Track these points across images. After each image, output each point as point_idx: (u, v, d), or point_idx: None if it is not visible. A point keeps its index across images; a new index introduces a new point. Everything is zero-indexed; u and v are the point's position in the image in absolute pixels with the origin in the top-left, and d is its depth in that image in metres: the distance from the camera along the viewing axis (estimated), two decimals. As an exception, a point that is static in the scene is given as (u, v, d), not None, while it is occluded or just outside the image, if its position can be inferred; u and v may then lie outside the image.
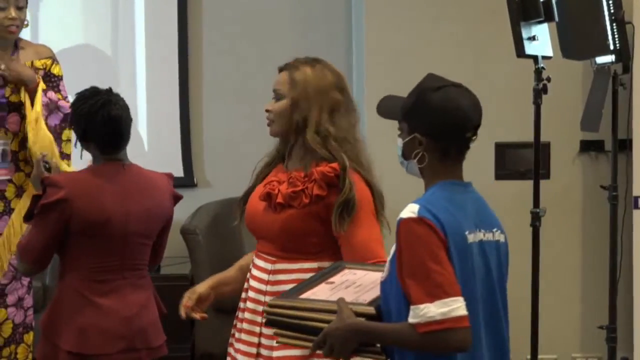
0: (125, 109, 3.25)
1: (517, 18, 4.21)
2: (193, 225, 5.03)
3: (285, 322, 2.41)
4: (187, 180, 5.48)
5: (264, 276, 2.82)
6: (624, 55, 4.49)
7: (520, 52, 4.22)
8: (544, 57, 4.29)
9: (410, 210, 2.34)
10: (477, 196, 2.50)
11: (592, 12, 4.42)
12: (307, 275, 2.68)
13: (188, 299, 2.91)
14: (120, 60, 5.81)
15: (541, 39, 4.28)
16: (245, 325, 2.81)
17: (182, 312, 2.91)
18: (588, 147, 5.15)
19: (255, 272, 2.85)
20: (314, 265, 2.78)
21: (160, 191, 3.32)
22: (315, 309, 2.39)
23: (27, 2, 4.18)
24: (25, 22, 4.20)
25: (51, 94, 4.24)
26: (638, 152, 4.77)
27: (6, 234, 4.21)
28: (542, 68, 4.24)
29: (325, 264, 2.74)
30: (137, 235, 3.26)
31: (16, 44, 4.24)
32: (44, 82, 4.23)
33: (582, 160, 5.17)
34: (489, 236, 2.45)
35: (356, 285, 2.54)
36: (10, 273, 4.25)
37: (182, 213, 4.67)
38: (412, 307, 2.26)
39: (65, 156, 4.23)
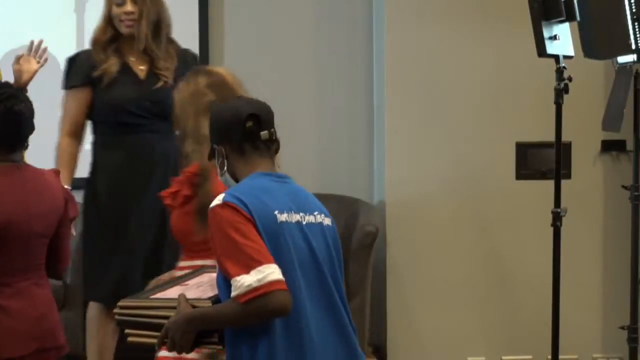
0: (30, 110, 3.17)
1: (539, 17, 4.19)
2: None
3: (132, 321, 2.56)
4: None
5: (180, 273, 2.99)
6: (645, 54, 4.47)
7: (541, 51, 4.20)
8: (565, 57, 4.27)
9: (217, 199, 2.48)
10: (293, 187, 2.64)
11: (613, 11, 4.36)
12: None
13: None
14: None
15: (562, 39, 4.27)
16: None
17: None
18: (609, 147, 5.11)
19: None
20: (211, 262, 2.84)
21: (54, 189, 3.28)
22: (159, 307, 2.55)
23: None
24: None
25: None
26: (660, 152, 4.74)
27: None
28: (564, 67, 4.22)
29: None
30: (38, 236, 3.22)
31: None
32: None
33: (604, 160, 5.14)
34: (309, 219, 2.59)
35: (206, 285, 2.69)
36: None
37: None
38: (231, 281, 2.39)
39: None
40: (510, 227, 5.10)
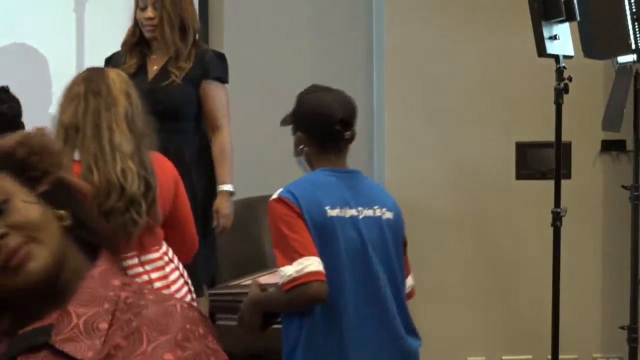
0: (14, 109, 3.17)
1: (539, 17, 4.21)
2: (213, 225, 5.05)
3: (222, 306, 3.01)
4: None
5: None
6: (646, 54, 4.46)
7: (541, 51, 4.22)
8: (565, 57, 4.29)
9: (275, 194, 2.77)
10: (357, 181, 2.90)
11: (614, 11, 4.30)
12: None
13: None
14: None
15: (562, 39, 4.28)
16: None
17: None
18: (609, 146, 5.12)
19: None
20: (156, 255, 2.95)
21: None
22: (239, 291, 2.98)
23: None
24: None
25: None
26: (660, 152, 4.75)
27: None
28: (564, 67, 4.23)
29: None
30: None
31: None
32: None
33: (604, 160, 5.15)
34: (367, 212, 2.83)
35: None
36: None
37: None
38: (278, 271, 2.69)
39: None
40: (510, 227, 5.12)
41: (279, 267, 2.68)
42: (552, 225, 4.33)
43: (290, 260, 2.65)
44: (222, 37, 5.56)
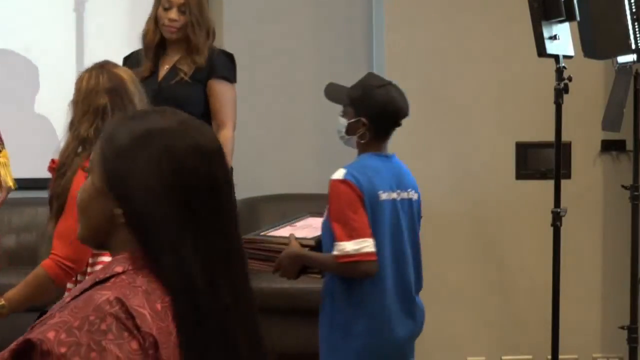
0: None
1: (539, 17, 4.24)
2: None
3: (251, 253, 3.15)
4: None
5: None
6: (645, 54, 4.50)
7: (541, 51, 4.25)
8: (565, 57, 4.32)
9: (339, 173, 3.22)
10: (397, 165, 3.37)
11: (613, 11, 4.38)
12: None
13: None
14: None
15: (562, 38, 4.31)
16: None
17: None
18: (609, 146, 5.13)
19: None
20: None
21: None
22: (273, 242, 3.31)
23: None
24: None
25: None
26: (660, 152, 4.78)
27: None
28: (564, 67, 4.25)
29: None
30: None
31: None
32: None
33: (604, 159, 5.17)
34: (403, 195, 3.32)
35: (312, 227, 3.43)
36: None
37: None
38: (335, 243, 3.15)
39: None
40: (510, 227, 5.15)
41: (336, 238, 3.14)
42: (552, 225, 4.35)
43: (349, 237, 3.13)
44: (221, 39, 5.56)
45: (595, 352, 5.19)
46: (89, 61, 4.53)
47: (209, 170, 1.65)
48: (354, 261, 3.15)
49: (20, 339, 1.53)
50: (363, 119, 3.27)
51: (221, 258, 1.64)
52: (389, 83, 3.36)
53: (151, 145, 1.64)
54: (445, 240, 4.97)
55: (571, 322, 4.83)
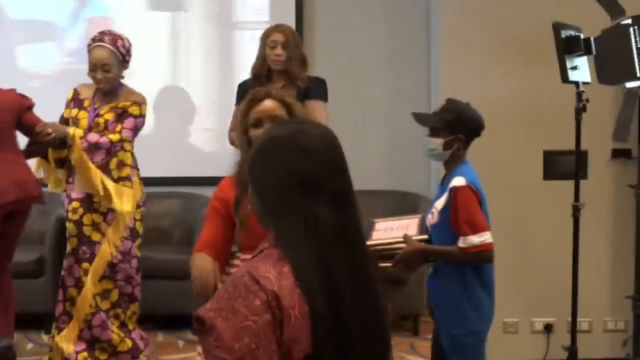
0: None
1: (563, 52, 4.43)
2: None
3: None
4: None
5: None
6: (648, 80, 4.45)
7: (564, 78, 4.43)
8: (583, 83, 4.47)
9: (461, 181, 3.37)
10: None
11: (622, 46, 4.45)
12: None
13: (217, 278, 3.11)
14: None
15: (581, 68, 4.49)
16: None
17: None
18: (619, 154, 5.28)
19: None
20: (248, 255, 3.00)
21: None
22: (389, 243, 3.35)
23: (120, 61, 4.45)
24: (122, 76, 4.64)
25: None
26: (660, 158, 4.78)
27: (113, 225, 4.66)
28: (582, 91, 4.42)
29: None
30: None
31: (116, 92, 4.65)
32: (119, 118, 4.56)
33: (614, 164, 5.30)
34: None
35: (396, 228, 3.48)
36: (120, 255, 4.66)
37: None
38: (462, 237, 3.33)
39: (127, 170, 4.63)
40: (538, 218, 5.24)
41: (463, 233, 3.34)
42: (572, 216, 4.56)
43: (474, 231, 3.33)
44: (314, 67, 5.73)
45: (606, 316, 5.36)
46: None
47: (318, 168, 1.74)
48: (479, 251, 3.34)
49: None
50: (460, 136, 3.45)
51: (337, 243, 1.72)
52: (468, 104, 3.52)
53: (271, 152, 1.77)
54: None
55: (587, 292, 4.96)
